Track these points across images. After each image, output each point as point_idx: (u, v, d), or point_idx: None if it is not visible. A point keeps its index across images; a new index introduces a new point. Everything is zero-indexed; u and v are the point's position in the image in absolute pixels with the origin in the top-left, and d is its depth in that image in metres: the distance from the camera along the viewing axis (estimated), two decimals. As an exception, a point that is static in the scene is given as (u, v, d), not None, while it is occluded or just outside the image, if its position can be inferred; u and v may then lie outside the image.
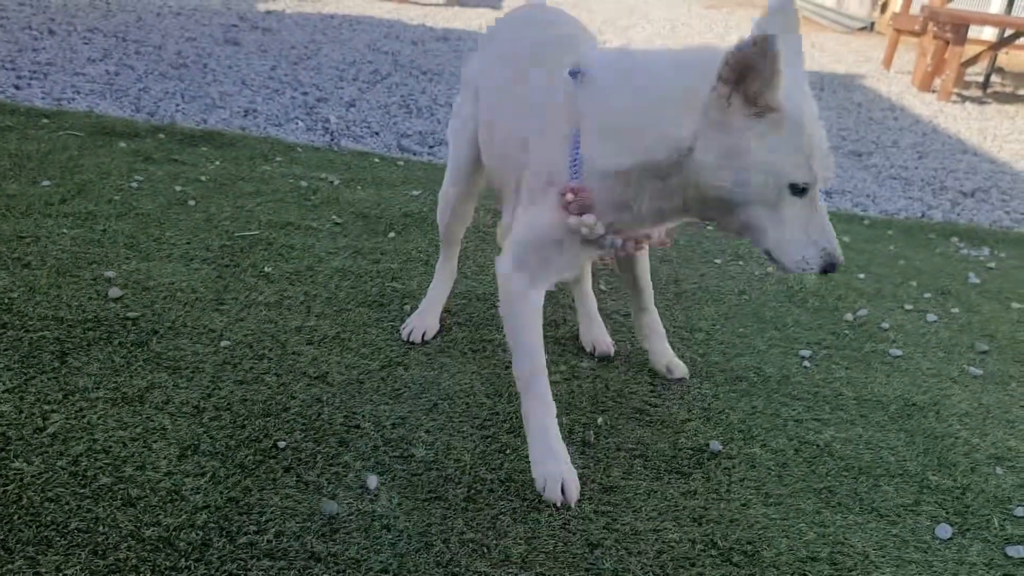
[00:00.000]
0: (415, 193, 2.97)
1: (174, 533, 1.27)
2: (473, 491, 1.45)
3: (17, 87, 3.78)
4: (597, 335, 2.00)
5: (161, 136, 3.24)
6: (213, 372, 1.71)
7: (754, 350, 2.10)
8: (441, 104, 4.50)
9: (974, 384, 2.06)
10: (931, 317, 2.42)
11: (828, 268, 1.32)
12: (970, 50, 6.46)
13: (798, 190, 1.27)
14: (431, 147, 3.71)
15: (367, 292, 2.14)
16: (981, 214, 3.68)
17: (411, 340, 1.92)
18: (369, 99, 4.40)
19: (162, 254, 2.21)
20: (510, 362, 1.87)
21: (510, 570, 1.29)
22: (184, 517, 1.30)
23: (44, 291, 1.93)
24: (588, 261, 1.66)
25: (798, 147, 1.25)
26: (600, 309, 2.19)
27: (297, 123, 3.81)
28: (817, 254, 1.31)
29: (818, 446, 1.71)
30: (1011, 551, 1.46)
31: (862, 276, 2.68)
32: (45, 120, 3.22)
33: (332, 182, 2.98)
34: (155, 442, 1.47)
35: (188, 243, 2.29)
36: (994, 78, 7.11)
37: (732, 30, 8.70)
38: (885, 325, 2.32)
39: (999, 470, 1.70)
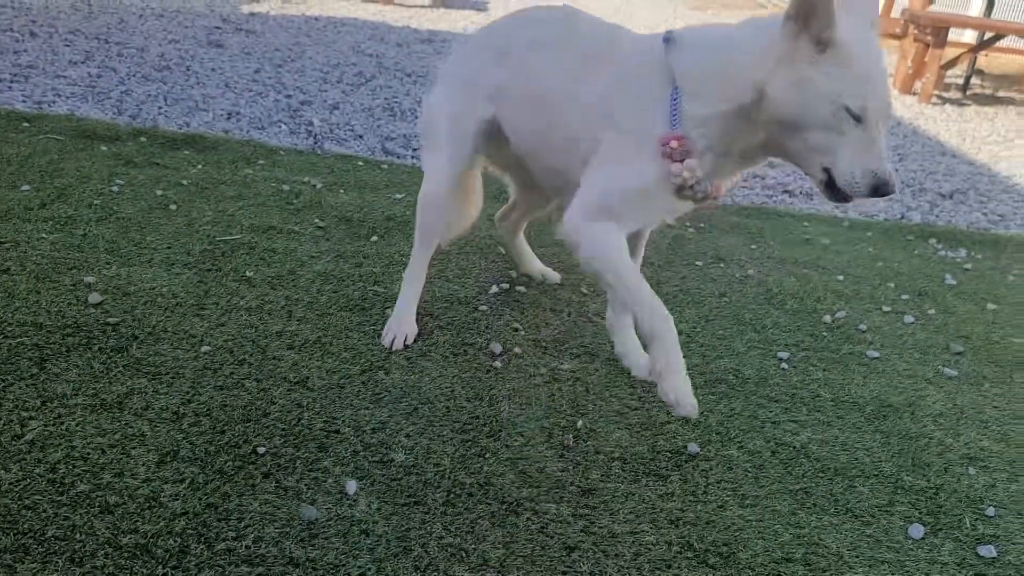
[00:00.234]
0: (398, 196, 2.97)
1: (152, 540, 1.27)
2: (452, 495, 1.46)
3: (-3, 90, 3.75)
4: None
5: (143, 139, 3.23)
6: (193, 377, 1.71)
7: (733, 352, 2.12)
8: (425, 107, 4.49)
9: (949, 385, 2.09)
10: (908, 319, 2.45)
11: (877, 190, 1.44)
12: (950, 53, 6.53)
13: (854, 115, 1.42)
14: (415, 150, 3.71)
15: (349, 296, 2.15)
16: (959, 216, 3.73)
17: (393, 348, 1.93)
18: (353, 102, 4.40)
19: (143, 259, 2.20)
20: (491, 365, 1.89)
21: (488, 574, 1.30)
22: (162, 524, 1.30)
23: (23, 296, 1.92)
24: (670, 216, 1.81)
25: (854, 76, 1.42)
26: (581, 312, 2.21)
27: (280, 126, 3.81)
28: (867, 176, 1.44)
29: (795, 448, 1.73)
30: (982, 550, 1.48)
31: (841, 278, 2.71)
32: (26, 124, 3.20)
33: (315, 186, 2.98)
34: (134, 448, 1.47)
35: (169, 248, 2.29)
36: (974, 80, 7.19)
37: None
38: (863, 327, 2.35)
39: (972, 470, 1.72)
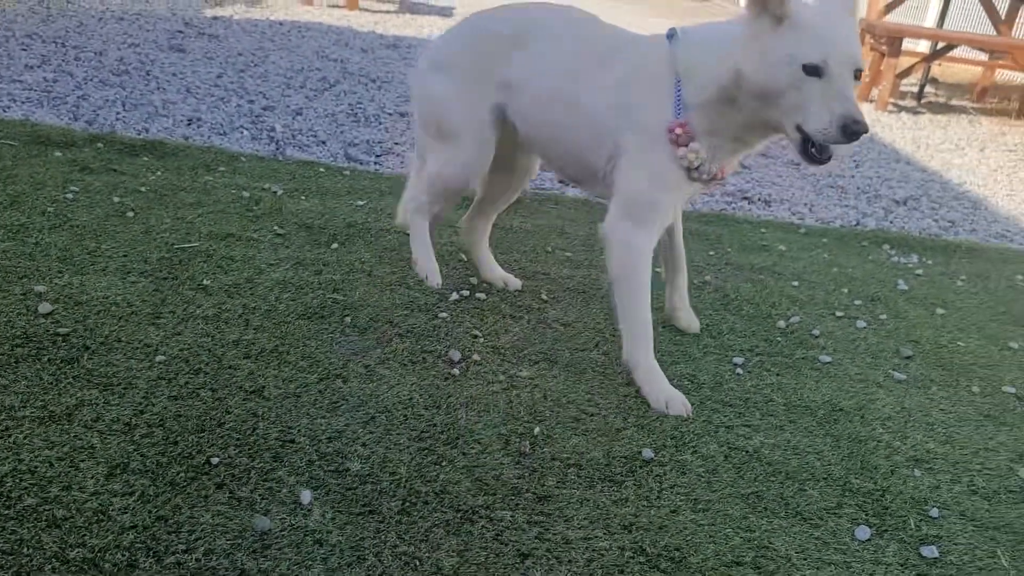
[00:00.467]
0: (360, 203, 2.96)
1: (99, 554, 1.26)
2: (407, 504, 1.47)
3: (-52, 94, 3.66)
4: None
5: (100, 145, 3.18)
6: (147, 388, 1.69)
7: (690, 358, 2.15)
8: (390, 113, 4.49)
9: (898, 388, 2.14)
10: (860, 323, 2.51)
11: (847, 130, 1.58)
12: (905, 62, 6.70)
13: (815, 71, 1.59)
14: (378, 156, 3.71)
15: (307, 304, 2.14)
16: (912, 222, 3.82)
17: (432, 285, 2.28)
18: (316, 107, 4.38)
19: (97, 267, 2.17)
20: (449, 373, 1.90)
21: (441, 582, 1.31)
22: (110, 537, 1.29)
23: (-29, 307, 1.88)
24: (684, 202, 2.04)
25: (808, 38, 1.61)
26: (541, 319, 2.23)
27: (242, 132, 3.77)
28: (835, 119, 1.58)
29: (747, 452, 1.76)
30: (925, 551, 1.52)
31: (796, 284, 2.77)
32: (-23, 129, 3.14)
33: (276, 192, 2.96)
34: (83, 461, 1.45)
35: (125, 256, 2.26)
36: (928, 89, 7.38)
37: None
38: (816, 332, 2.40)
39: (917, 472, 1.77)
